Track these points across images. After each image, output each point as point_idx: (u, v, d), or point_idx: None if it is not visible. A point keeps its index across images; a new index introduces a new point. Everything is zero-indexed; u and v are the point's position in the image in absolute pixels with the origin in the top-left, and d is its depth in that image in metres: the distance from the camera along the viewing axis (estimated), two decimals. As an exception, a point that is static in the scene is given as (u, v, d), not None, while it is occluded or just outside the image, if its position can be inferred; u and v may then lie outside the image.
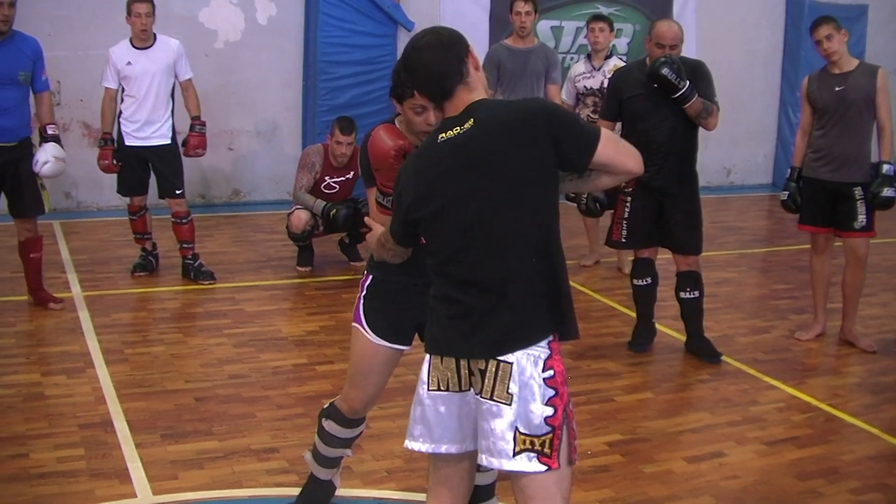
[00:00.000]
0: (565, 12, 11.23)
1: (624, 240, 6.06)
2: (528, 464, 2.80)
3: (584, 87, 7.83)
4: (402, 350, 3.65)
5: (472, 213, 2.81)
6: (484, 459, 2.86)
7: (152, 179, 7.43)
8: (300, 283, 7.59)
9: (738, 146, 12.54)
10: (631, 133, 5.64)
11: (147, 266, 7.56)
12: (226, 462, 4.47)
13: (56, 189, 9.03)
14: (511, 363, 2.79)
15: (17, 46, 6.21)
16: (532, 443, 2.79)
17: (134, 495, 4.14)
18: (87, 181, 9.51)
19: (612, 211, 6.11)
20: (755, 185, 12.85)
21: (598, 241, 7.87)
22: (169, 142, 7.27)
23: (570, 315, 2.92)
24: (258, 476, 4.35)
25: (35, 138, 6.51)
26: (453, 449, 2.97)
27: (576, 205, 6.42)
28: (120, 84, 7.15)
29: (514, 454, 2.79)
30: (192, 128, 7.36)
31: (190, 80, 7.31)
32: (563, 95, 7.98)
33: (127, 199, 7.55)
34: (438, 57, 2.88)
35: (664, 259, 6.28)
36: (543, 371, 2.82)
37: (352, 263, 7.96)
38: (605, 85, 7.25)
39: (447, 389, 2.91)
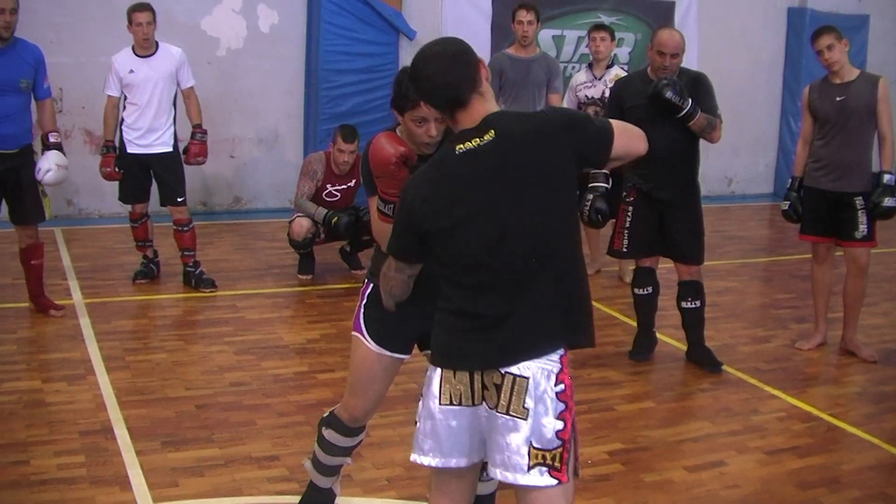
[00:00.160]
0: (567, 21, 11.24)
1: (625, 249, 6.06)
2: (540, 478, 2.80)
3: (586, 96, 7.84)
4: (403, 359, 3.64)
5: (497, 223, 2.80)
6: (498, 473, 2.85)
7: (154, 187, 7.43)
8: (301, 291, 7.59)
9: (740, 155, 12.55)
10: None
11: (148, 273, 7.57)
12: (226, 469, 4.46)
13: (58, 196, 9.03)
14: (527, 378, 2.79)
15: (18, 53, 6.21)
16: (544, 457, 2.80)
17: (134, 503, 4.13)
18: (88, 188, 9.52)
19: (614, 220, 6.11)
20: (756, 195, 12.85)
21: (600, 250, 7.87)
22: (171, 149, 7.28)
23: (587, 323, 2.94)
24: (259, 484, 4.34)
25: (37, 145, 6.52)
26: (463, 463, 2.97)
27: (577, 214, 6.42)
28: (122, 92, 7.16)
29: (529, 469, 2.80)
30: (193, 136, 7.37)
31: (192, 87, 7.32)
32: (564, 104, 7.98)
33: (128, 207, 7.55)
34: (451, 66, 2.85)
35: (665, 268, 6.28)
36: (556, 385, 2.82)
37: (353, 271, 7.96)
38: (607, 94, 7.27)
39: (460, 404, 2.89)
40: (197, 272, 7.43)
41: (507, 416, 2.80)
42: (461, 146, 2.84)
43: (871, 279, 6.51)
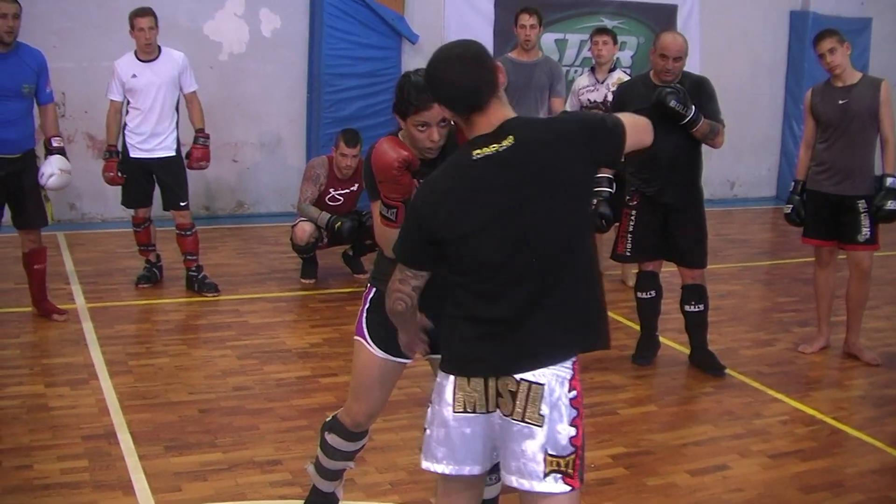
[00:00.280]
0: (569, 25, 11.24)
1: (629, 253, 6.07)
2: (555, 485, 2.80)
3: (588, 100, 7.83)
4: (405, 363, 3.64)
5: (517, 230, 2.78)
6: (514, 481, 2.85)
7: (157, 191, 7.44)
8: (304, 296, 7.59)
9: (742, 159, 12.54)
10: (635, 147, 5.65)
11: (151, 278, 7.57)
12: (229, 474, 4.46)
13: (60, 200, 9.04)
14: (542, 384, 2.79)
15: (21, 59, 6.22)
16: (558, 463, 2.80)
17: (137, 507, 4.14)
18: (91, 192, 9.52)
19: (617, 224, 6.11)
20: (759, 198, 12.85)
21: (602, 254, 7.86)
22: (173, 154, 7.29)
23: (603, 325, 2.95)
24: (262, 488, 4.34)
25: (39, 150, 6.52)
26: (476, 470, 2.96)
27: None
28: (125, 97, 7.17)
29: (545, 476, 2.79)
30: (195, 140, 7.37)
31: (194, 92, 7.33)
32: (567, 108, 7.98)
33: (131, 211, 7.56)
34: (472, 69, 2.83)
35: (667, 272, 6.28)
36: (569, 391, 2.82)
37: (355, 276, 7.96)
38: (609, 98, 7.28)
39: (474, 411, 2.87)
40: (200, 276, 7.44)
41: (523, 424, 2.79)
42: (478, 151, 2.81)
43: (873, 282, 6.50)
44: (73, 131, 9.47)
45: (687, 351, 6.26)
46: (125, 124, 7.22)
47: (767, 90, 12.63)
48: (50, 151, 6.38)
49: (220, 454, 4.66)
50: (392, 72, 10.09)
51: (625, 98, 5.89)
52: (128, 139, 7.22)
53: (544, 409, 2.78)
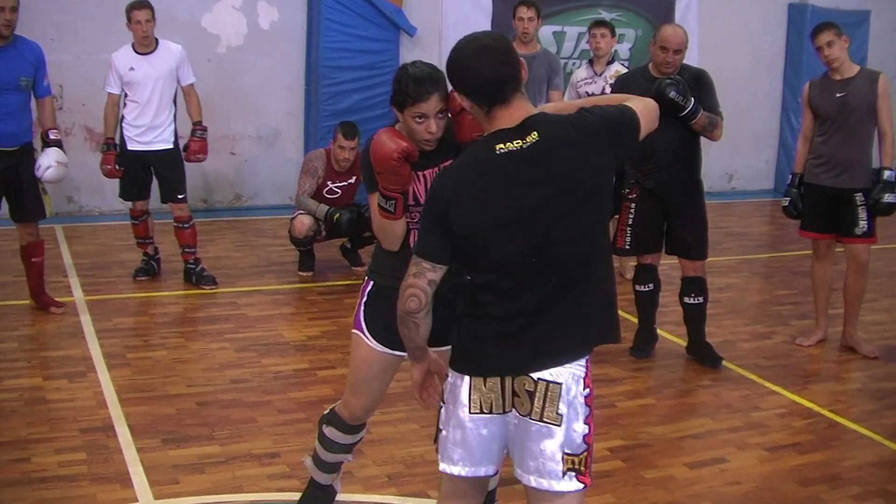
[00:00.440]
0: (567, 18, 11.23)
1: (628, 246, 6.06)
2: (570, 483, 2.80)
3: (586, 92, 7.82)
4: (403, 356, 3.62)
5: (539, 228, 2.74)
6: (532, 480, 2.83)
7: (154, 184, 7.44)
8: (302, 288, 7.59)
9: (741, 152, 12.55)
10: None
11: (149, 270, 7.57)
12: (227, 467, 4.47)
13: (58, 193, 9.04)
14: (560, 383, 2.77)
15: (19, 52, 6.21)
16: (573, 461, 2.80)
17: (135, 500, 4.13)
18: (89, 185, 9.52)
19: (617, 217, 6.11)
20: (757, 191, 12.85)
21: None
22: (171, 146, 7.28)
23: (616, 320, 2.95)
24: (259, 481, 4.34)
25: (37, 143, 6.52)
26: (491, 471, 2.94)
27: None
28: (123, 89, 7.16)
29: (563, 474, 2.79)
30: (193, 133, 7.36)
31: (192, 85, 7.32)
32: (565, 101, 7.98)
33: (129, 204, 7.56)
34: (502, 61, 2.79)
35: (666, 265, 6.28)
36: (583, 389, 2.82)
37: (353, 268, 7.96)
38: (607, 90, 7.28)
39: (490, 412, 2.84)
40: (198, 269, 7.44)
41: (542, 423, 2.77)
42: (502, 146, 2.76)
43: (871, 275, 6.50)
44: (71, 124, 9.47)
45: (685, 343, 6.26)
46: (123, 117, 7.21)
47: (766, 83, 12.63)
48: (47, 144, 6.36)
49: (217, 447, 4.66)
50: (390, 64, 10.07)
51: (624, 90, 5.86)
52: (125, 132, 7.22)
53: (562, 409, 2.77)
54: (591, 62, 7.98)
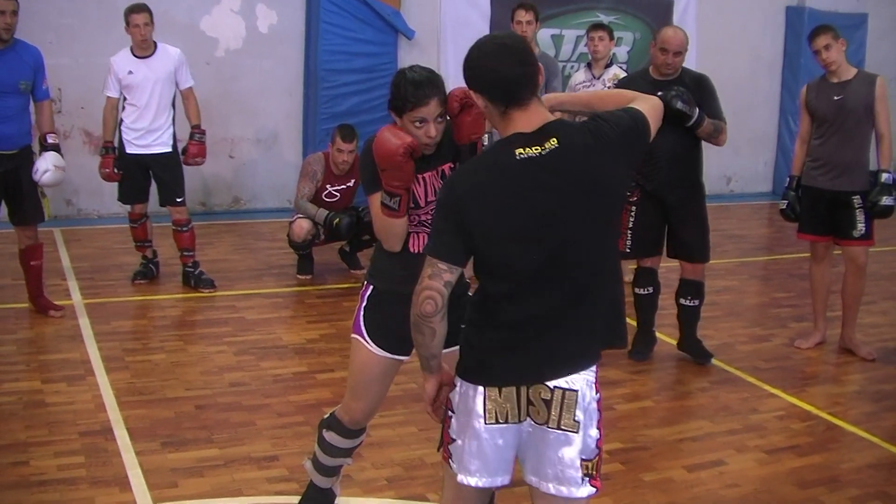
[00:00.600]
0: (565, 21, 11.24)
1: (629, 250, 6.05)
2: (585, 488, 2.82)
3: (585, 95, 7.82)
4: (403, 360, 3.63)
5: (555, 236, 2.72)
6: (552, 488, 2.82)
7: (153, 187, 7.44)
8: (300, 291, 7.59)
9: (739, 154, 12.54)
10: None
11: (147, 274, 7.57)
12: (226, 470, 4.46)
13: (57, 196, 9.06)
14: (576, 391, 2.78)
15: (18, 55, 6.21)
16: (588, 467, 2.81)
17: (134, 503, 4.13)
18: (87, 188, 9.52)
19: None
20: (755, 194, 12.86)
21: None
22: (170, 150, 7.28)
23: (624, 325, 2.98)
24: (258, 484, 4.34)
25: (35, 146, 6.52)
26: (506, 480, 2.91)
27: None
28: (121, 93, 7.17)
29: (582, 481, 2.80)
30: (191, 136, 7.37)
31: (191, 88, 7.32)
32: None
33: (127, 207, 7.55)
34: (521, 63, 2.76)
35: (665, 268, 6.28)
36: (595, 394, 2.84)
37: (352, 271, 7.96)
38: (606, 93, 7.27)
39: (506, 421, 2.81)
40: (196, 272, 7.44)
41: (559, 431, 2.77)
42: (521, 151, 2.72)
43: (869, 278, 6.50)
44: (70, 127, 9.47)
45: (680, 342, 6.29)
46: (121, 120, 7.22)
47: (764, 85, 12.63)
48: (45, 147, 6.37)
49: (216, 450, 4.66)
50: (388, 67, 10.07)
51: (625, 92, 5.89)
52: (124, 135, 7.22)
53: (579, 415, 2.77)
54: (589, 65, 7.98)
